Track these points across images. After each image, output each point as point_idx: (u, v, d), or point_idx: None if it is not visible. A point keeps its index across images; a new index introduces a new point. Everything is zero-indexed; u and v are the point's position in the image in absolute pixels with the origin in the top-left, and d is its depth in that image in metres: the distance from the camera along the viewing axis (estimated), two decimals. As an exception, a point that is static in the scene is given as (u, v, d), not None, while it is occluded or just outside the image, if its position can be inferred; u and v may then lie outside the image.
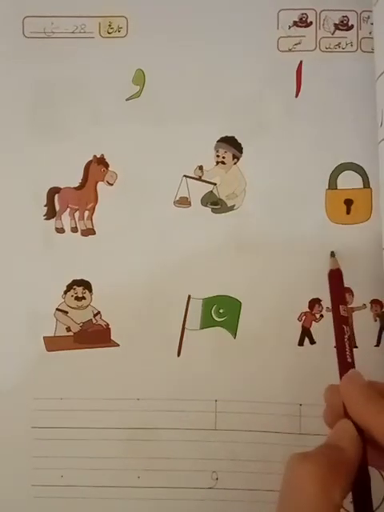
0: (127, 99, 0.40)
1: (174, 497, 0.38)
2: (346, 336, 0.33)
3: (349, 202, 0.39)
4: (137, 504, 0.38)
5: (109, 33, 0.41)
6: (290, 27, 0.40)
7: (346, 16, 0.40)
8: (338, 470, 0.27)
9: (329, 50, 0.40)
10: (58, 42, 0.41)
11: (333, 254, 0.38)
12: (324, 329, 0.38)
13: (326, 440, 0.29)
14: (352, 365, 0.32)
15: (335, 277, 0.36)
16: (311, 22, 0.40)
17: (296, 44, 0.40)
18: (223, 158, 0.40)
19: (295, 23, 0.40)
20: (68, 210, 0.40)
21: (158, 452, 0.39)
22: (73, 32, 0.41)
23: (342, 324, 0.34)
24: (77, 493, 0.38)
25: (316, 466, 0.27)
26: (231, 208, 0.40)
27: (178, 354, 0.39)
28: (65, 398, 0.39)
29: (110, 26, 0.41)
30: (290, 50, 0.40)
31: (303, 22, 0.40)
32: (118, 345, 0.39)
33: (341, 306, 0.34)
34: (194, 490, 0.38)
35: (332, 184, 0.39)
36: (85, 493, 0.38)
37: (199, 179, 0.40)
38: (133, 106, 0.40)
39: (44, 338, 0.39)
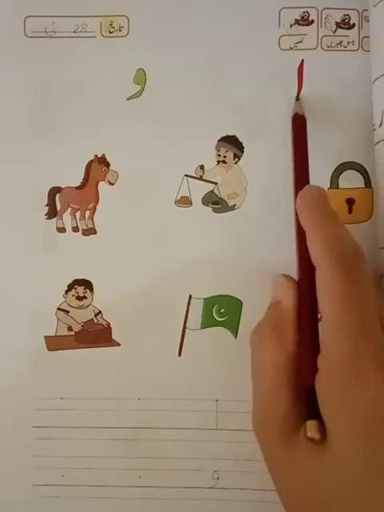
0: (128, 98, 0.40)
1: (175, 496, 0.38)
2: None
3: (350, 202, 0.39)
4: (138, 504, 0.38)
5: (110, 32, 0.41)
6: (291, 26, 0.40)
7: (347, 14, 0.40)
8: (280, 324, 0.31)
9: (330, 48, 0.40)
10: (60, 42, 0.41)
11: (298, 98, 0.38)
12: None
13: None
14: None
15: (299, 123, 0.36)
16: (313, 21, 0.40)
17: (297, 42, 0.40)
18: (224, 157, 0.40)
19: (297, 22, 0.40)
20: (69, 209, 0.40)
21: (158, 452, 0.39)
22: (74, 32, 0.41)
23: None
24: (78, 492, 0.38)
25: (263, 329, 0.32)
26: (232, 207, 0.40)
27: (179, 354, 0.39)
28: (66, 398, 0.39)
29: (111, 25, 0.41)
30: (291, 49, 0.40)
31: (305, 21, 0.40)
32: (119, 344, 0.39)
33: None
34: (195, 489, 0.38)
35: (333, 183, 0.39)
36: (86, 492, 0.38)
37: (200, 179, 0.40)
38: (134, 105, 0.40)
39: (45, 337, 0.39)
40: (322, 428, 0.28)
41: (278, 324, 0.31)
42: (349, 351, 0.27)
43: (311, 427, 0.28)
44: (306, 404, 0.29)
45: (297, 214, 0.33)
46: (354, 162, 0.39)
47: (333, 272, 0.28)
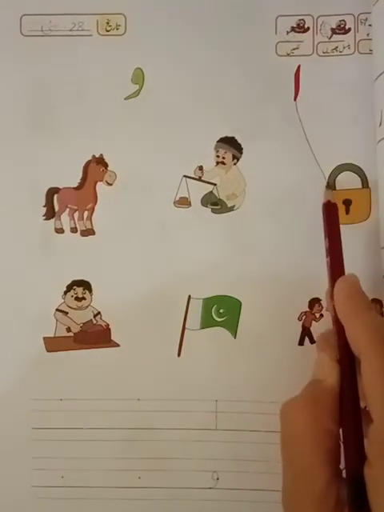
0: (126, 98, 0.40)
1: (175, 497, 0.38)
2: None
3: (348, 202, 0.39)
4: (137, 504, 0.38)
5: (107, 31, 0.41)
6: (287, 33, 0.41)
7: (343, 20, 0.40)
8: (320, 400, 0.29)
9: (326, 54, 0.40)
10: (56, 40, 0.41)
11: (329, 186, 0.38)
12: (324, 328, 0.38)
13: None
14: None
15: (330, 210, 0.36)
16: (308, 28, 0.41)
17: (294, 49, 0.40)
18: (223, 158, 0.40)
19: (293, 29, 0.40)
20: (67, 210, 0.40)
21: (158, 452, 0.39)
22: (70, 30, 0.41)
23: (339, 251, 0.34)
24: (77, 493, 0.38)
25: (300, 402, 0.30)
26: (231, 208, 0.40)
27: (179, 354, 0.39)
28: (65, 399, 0.39)
29: (108, 23, 0.41)
30: (288, 55, 0.40)
31: (301, 28, 0.41)
32: (118, 345, 0.39)
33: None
34: (194, 490, 0.38)
35: (331, 184, 0.39)
36: (85, 493, 0.38)
37: (199, 179, 0.40)
38: (132, 105, 0.40)
39: (44, 338, 0.39)
40: None
41: (317, 400, 0.29)
42: None
43: None
44: (352, 493, 0.27)
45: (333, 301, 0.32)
46: (351, 164, 0.39)
47: (378, 356, 0.28)
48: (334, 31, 0.40)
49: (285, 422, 0.30)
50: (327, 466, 0.28)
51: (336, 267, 0.34)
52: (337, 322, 0.31)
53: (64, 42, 0.41)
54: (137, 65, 0.40)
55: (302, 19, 0.41)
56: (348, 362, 0.30)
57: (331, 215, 0.35)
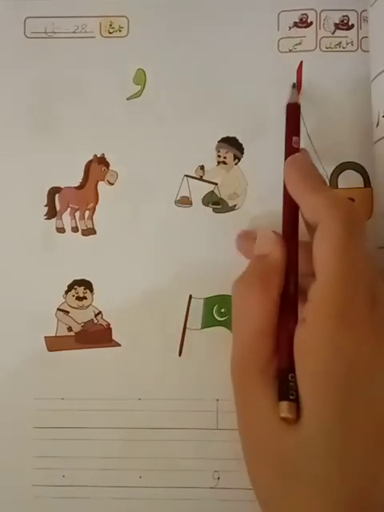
0: (128, 99, 0.40)
1: (176, 496, 0.38)
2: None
3: (350, 202, 0.39)
4: (138, 504, 0.38)
5: (110, 32, 0.41)
6: (290, 28, 0.40)
7: (346, 15, 0.40)
8: (268, 275, 0.31)
9: (329, 49, 0.40)
10: (59, 42, 0.41)
11: (294, 86, 0.39)
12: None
13: (254, 253, 0.33)
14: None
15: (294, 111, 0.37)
16: (311, 22, 0.40)
17: (296, 44, 0.40)
18: (224, 158, 0.40)
19: (295, 24, 0.40)
20: (68, 209, 0.40)
21: (159, 452, 0.39)
22: (74, 32, 0.41)
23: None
24: (78, 493, 0.38)
25: (249, 278, 0.31)
26: (232, 208, 0.40)
27: (180, 354, 0.39)
28: (66, 398, 0.39)
29: (110, 25, 0.41)
30: (290, 51, 0.40)
31: (303, 23, 0.40)
32: (120, 345, 0.39)
33: (293, 138, 0.36)
34: (195, 489, 0.38)
35: (333, 183, 0.39)
36: (86, 493, 0.38)
37: (200, 179, 0.40)
38: (134, 105, 0.40)
39: (45, 337, 0.39)
40: (296, 407, 0.28)
41: (265, 275, 0.31)
42: (342, 300, 0.27)
43: (283, 408, 0.28)
44: (280, 385, 0.29)
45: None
46: (353, 162, 0.39)
47: (339, 222, 0.29)
48: (337, 26, 0.40)
49: (236, 297, 0.31)
50: (273, 335, 0.30)
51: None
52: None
53: (67, 44, 0.41)
54: (139, 66, 0.40)
55: (305, 14, 0.40)
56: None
57: (294, 116, 0.37)
